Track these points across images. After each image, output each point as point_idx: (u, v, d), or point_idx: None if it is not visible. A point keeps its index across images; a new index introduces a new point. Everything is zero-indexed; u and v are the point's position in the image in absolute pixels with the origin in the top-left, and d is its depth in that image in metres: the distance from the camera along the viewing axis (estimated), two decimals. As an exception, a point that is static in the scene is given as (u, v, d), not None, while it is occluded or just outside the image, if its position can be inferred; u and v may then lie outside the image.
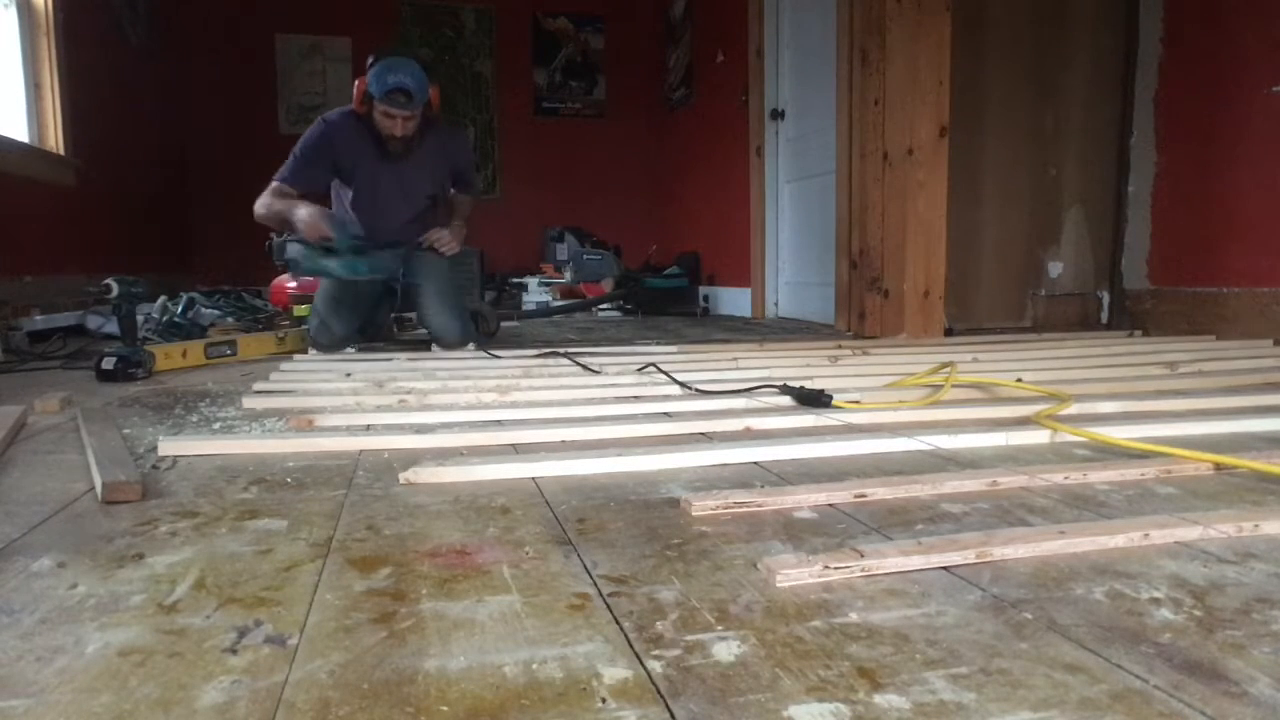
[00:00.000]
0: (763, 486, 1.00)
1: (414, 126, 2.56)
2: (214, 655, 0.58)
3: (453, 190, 2.88)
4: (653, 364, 1.94)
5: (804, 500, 0.94)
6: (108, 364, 2.08)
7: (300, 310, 3.13)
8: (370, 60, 2.50)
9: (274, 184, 2.55)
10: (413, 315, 3.74)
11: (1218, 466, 1.07)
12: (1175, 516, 0.84)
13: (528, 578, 0.72)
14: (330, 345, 2.62)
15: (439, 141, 2.74)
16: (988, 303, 3.06)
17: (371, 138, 2.59)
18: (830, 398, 1.51)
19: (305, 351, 2.61)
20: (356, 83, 2.54)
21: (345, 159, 2.61)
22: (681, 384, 1.73)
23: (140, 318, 3.08)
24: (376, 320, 2.96)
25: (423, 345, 2.86)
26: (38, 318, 3.13)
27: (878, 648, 0.58)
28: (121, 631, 0.61)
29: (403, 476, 1.04)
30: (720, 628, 0.62)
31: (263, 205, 2.53)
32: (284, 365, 2.13)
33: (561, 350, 2.36)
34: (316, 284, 2.85)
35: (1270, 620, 0.63)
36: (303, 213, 2.44)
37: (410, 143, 2.60)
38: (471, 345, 2.65)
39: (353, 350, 2.70)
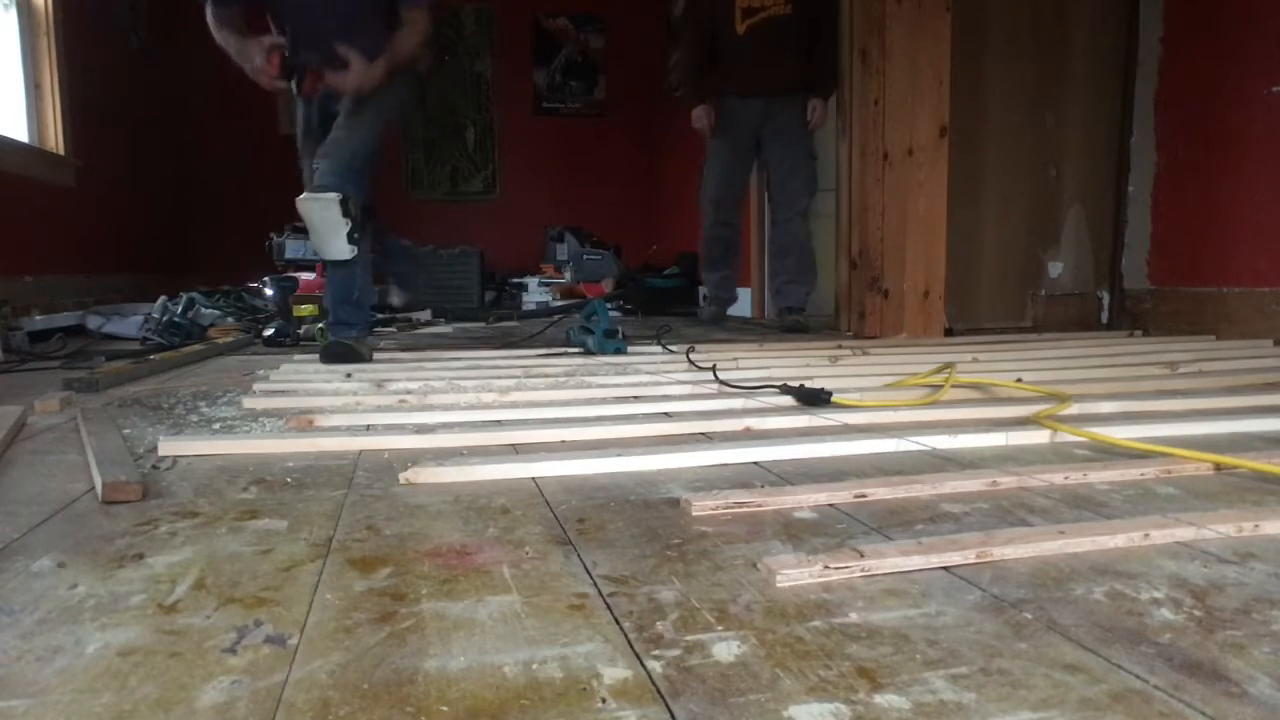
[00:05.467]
0: (763, 486, 1.00)
1: None
2: (214, 655, 0.58)
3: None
4: (704, 362, 1.94)
5: (804, 500, 0.94)
6: (268, 332, 2.79)
7: (301, 310, 3.13)
8: None
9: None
10: (416, 316, 3.78)
11: (1218, 466, 1.07)
12: (1175, 517, 0.84)
13: (528, 578, 0.72)
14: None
15: None
16: (988, 303, 3.06)
17: None
18: (830, 394, 1.51)
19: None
20: None
21: None
22: (721, 381, 1.74)
23: (139, 317, 3.09)
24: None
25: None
26: (38, 318, 3.12)
27: (878, 648, 0.58)
28: (121, 631, 0.61)
29: (403, 477, 1.04)
30: (720, 628, 0.62)
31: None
32: (284, 365, 2.12)
33: (567, 350, 2.36)
34: (314, 285, 2.89)
35: (1270, 620, 0.62)
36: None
37: None
38: (338, 208, 2.13)
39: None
